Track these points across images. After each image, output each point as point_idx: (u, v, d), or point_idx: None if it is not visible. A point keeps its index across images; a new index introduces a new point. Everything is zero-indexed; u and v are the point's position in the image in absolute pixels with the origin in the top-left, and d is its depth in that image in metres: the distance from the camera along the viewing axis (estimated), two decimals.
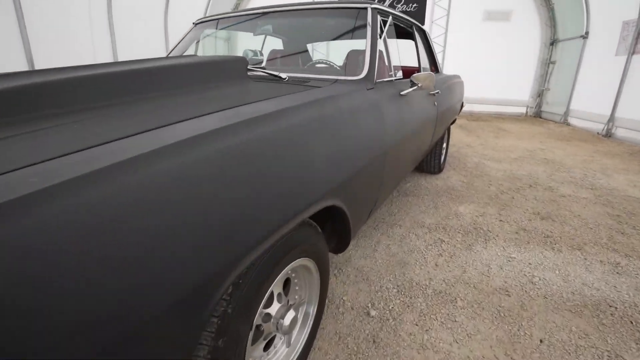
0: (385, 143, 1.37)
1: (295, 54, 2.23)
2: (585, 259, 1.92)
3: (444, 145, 3.37)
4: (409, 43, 2.65)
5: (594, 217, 2.47)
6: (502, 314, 1.46)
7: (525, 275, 1.75)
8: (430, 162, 3.19)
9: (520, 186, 3.10)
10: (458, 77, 3.39)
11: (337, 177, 1.02)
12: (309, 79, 1.44)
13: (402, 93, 1.64)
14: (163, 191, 0.55)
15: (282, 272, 0.95)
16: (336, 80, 1.40)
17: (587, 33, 6.72)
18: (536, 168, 3.72)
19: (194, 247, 0.58)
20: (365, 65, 1.46)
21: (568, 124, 6.98)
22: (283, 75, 1.40)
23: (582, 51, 6.81)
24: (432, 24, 8.00)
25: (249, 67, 1.45)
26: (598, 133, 5.88)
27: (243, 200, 0.69)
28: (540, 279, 1.72)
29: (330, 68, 1.74)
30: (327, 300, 1.50)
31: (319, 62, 1.75)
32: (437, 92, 2.33)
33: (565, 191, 3.01)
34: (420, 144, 2.14)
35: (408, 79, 1.79)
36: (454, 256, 1.90)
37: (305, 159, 0.90)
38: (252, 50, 1.86)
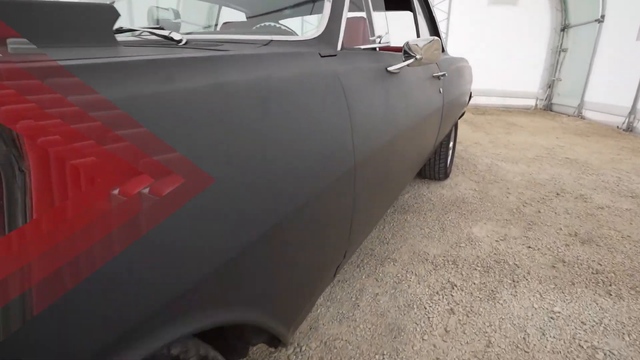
0: (354, 150, 0.76)
1: (251, 17, 1.62)
2: None
3: (451, 144, 2.74)
4: (402, 17, 2.04)
5: None
6: None
7: (582, 347, 1.15)
8: (434, 166, 2.56)
9: (545, 195, 2.49)
10: (465, 60, 2.76)
11: (220, 254, 0.42)
12: (227, 41, 0.83)
13: (389, 69, 1.02)
14: None
15: None
16: (269, 42, 0.79)
17: (602, 17, 6.09)
18: (559, 170, 3.11)
19: None
20: (323, 19, 0.85)
21: (583, 118, 6.34)
22: (177, 36, 0.79)
23: (597, 37, 6.19)
24: (433, 9, 7.34)
25: (124, 27, 0.85)
26: (618, 127, 5.26)
27: None
28: (606, 355, 1.12)
29: (273, 28, 1.13)
30: None
31: (265, 25, 1.16)
32: (444, 75, 1.71)
33: (602, 201, 2.40)
34: (421, 145, 1.53)
35: (400, 52, 1.19)
36: (471, 313, 1.29)
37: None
38: (163, 9, 1.25)
